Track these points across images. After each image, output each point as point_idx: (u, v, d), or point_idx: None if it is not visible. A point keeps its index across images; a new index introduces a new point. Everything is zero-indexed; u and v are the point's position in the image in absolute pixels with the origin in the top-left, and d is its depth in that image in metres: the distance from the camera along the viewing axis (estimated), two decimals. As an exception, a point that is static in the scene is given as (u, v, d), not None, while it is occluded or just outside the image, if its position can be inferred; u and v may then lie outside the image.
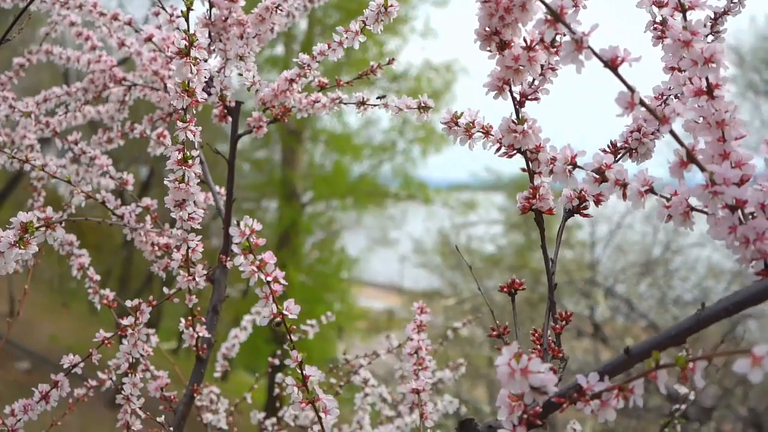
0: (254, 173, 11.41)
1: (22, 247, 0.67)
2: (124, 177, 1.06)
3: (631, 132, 0.67)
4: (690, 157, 0.51)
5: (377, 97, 0.96)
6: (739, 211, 0.51)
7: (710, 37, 0.71)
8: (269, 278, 0.61)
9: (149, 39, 1.04)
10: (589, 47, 0.49)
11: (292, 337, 0.63)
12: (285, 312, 0.62)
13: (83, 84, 1.19)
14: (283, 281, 0.61)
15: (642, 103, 0.49)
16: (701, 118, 0.54)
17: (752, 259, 0.50)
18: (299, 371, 0.63)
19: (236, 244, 0.60)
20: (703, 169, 0.50)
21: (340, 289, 10.61)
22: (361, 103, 0.93)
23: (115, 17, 1.09)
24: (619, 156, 0.68)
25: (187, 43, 0.68)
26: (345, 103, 0.95)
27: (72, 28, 1.19)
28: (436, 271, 10.14)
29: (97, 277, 1.09)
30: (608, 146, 0.68)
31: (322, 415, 0.63)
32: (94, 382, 1.13)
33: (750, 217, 0.51)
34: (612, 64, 0.50)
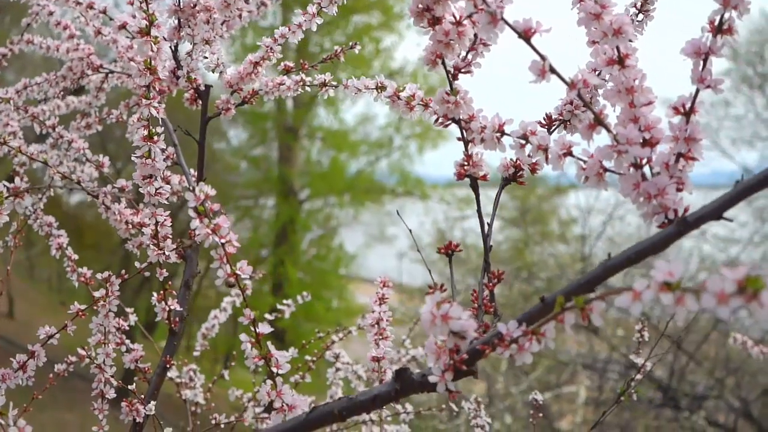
0: (251, 171, 11.45)
1: (-7, 216, 0.71)
2: (100, 159, 1.10)
3: (564, 104, 0.71)
4: (598, 120, 0.55)
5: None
6: (646, 169, 0.56)
7: (640, 16, 0.75)
8: (223, 240, 0.65)
9: (123, 27, 1.08)
10: (503, 19, 0.54)
11: (245, 296, 0.68)
12: (238, 272, 0.66)
13: (62, 72, 1.23)
14: (236, 243, 0.66)
15: (552, 70, 0.54)
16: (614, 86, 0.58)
17: (654, 214, 0.55)
18: (253, 329, 0.68)
19: (191, 208, 0.64)
20: (609, 131, 0.55)
21: (338, 286, 10.65)
22: (323, 84, 0.98)
23: (90, 6, 1.13)
24: (554, 127, 0.72)
25: (147, 23, 0.73)
26: (308, 85, 0.99)
27: (50, 18, 1.23)
28: (433, 267, 10.17)
29: (75, 257, 1.13)
30: (543, 118, 0.72)
31: (274, 369, 0.68)
32: (73, 358, 1.18)
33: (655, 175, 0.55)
34: (525, 35, 0.54)
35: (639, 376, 1.10)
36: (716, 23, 0.55)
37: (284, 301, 1.41)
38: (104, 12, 1.13)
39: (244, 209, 10.85)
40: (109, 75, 1.23)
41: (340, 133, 11.63)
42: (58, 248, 1.14)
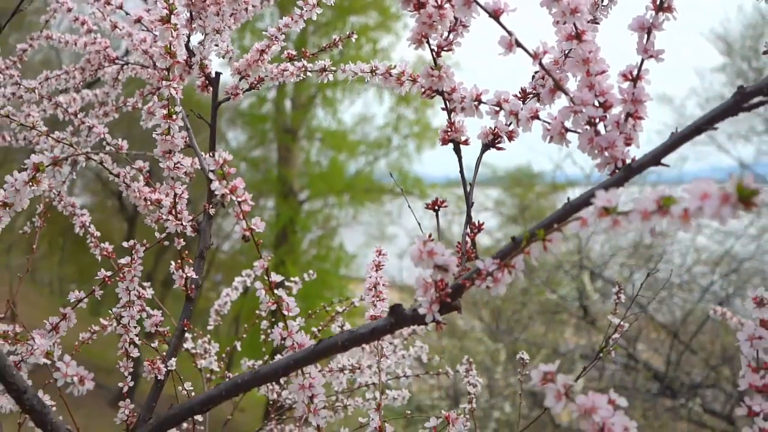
0: (251, 172, 11.54)
1: (34, 184, 0.81)
2: (119, 143, 1.20)
3: (536, 79, 0.81)
4: (557, 86, 0.65)
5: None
6: (600, 127, 0.66)
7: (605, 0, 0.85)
8: (240, 199, 0.75)
9: (138, 20, 1.18)
10: (475, 1, 0.64)
11: (259, 249, 0.78)
12: (253, 227, 0.76)
13: (81, 64, 1.33)
14: (251, 202, 0.76)
15: (518, 43, 0.64)
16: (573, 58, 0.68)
17: (606, 164, 0.65)
18: (266, 278, 0.78)
19: (211, 171, 0.74)
20: (567, 95, 0.65)
21: (338, 286, 10.72)
22: (323, 70, 1.08)
23: (107, 2, 1.23)
24: (528, 100, 0.82)
25: (168, 11, 0.83)
26: (310, 71, 1.09)
27: (69, 14, 1.33)
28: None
29: (98, 233, 1.23)
30: (519, 91, 0.82)
31: (285, 312, 0.78)
32: (96, 328, 1.28)
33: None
34: (495, 15, 0.64)
35: (616, 335, 1.20)
36: (657, 2, 0.65)
37: (291, 278, 1.50)
38: (121, 7, 1.23)
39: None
40: (125, 66, 1.33)
41: (339, 133, 11.72)
42: (82, 226, 1.24)
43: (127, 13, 1.23)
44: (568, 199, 0.64)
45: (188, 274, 1.10)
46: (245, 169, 11.61)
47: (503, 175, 10.64)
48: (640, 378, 6.25)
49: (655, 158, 0.61)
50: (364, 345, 1.17)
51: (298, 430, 1.42)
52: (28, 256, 1.38)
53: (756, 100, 0.59)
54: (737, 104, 0.58)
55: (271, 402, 1.47)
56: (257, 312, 1.70)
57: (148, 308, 1.16)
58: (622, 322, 1.18)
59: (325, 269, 10.92)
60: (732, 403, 6.17)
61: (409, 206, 1.10)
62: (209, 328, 1.50)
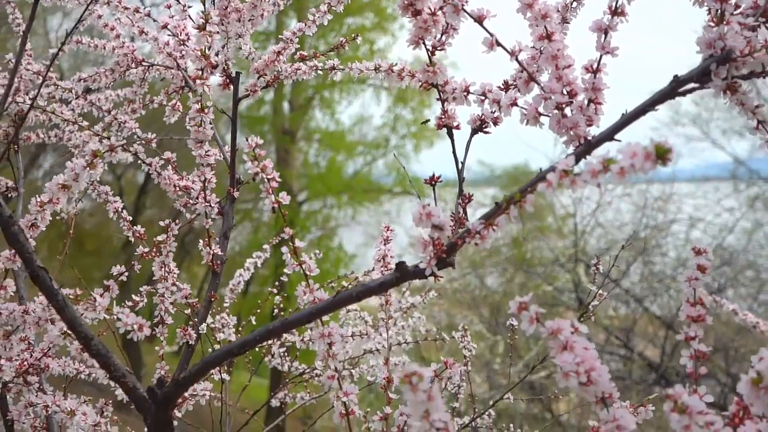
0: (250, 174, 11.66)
1: (92, 168, 0.95)
2: (149, 136, 1.34)
3: (516, 73, 0.95)
4: (530, 77, 0.79)
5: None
6: (567, 111, 0.80)
7: (574, 3, 1.00)
8: (269, 177, 0.90)
9: (165, 26, 1.32)
10: (463, 9, 0.78)
11: (285, 219, 0.92)
12: (280, 199, 0.91)
13: (110, 66, 1.47)
14: (278, 179, 0.90)
15: (498, 43, 0.78)
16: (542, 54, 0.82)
17: (571, 140, 0.79)
18: (291, 244, 0.92)
19: (246, 153, 0.88)
20: (539, 84, 0.79)
21: (338, 286, 10.86)
22: (332, 68, 1.22)
23: (137, 10, 1.37)
24: (510, 90, 0.96)
25: (204, 21, 0.97)
26: (320, 70, 1.24)
27: (99, 21, 1.47)
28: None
29: (129, 218, 1.37)
30: (502, 83, 0.97)
31: (308, 272, 0.92)
32: (130, 303, 1.42)
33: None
34: (479, 20, 0.79)
35: (596, 302, 1.34)
36: (613, 8, 0.80)
37: (315, 252, 1.65)
38: (149, 15, 1.37)
39: (243, 212, 11.07)
40: (150, 68, 1.47)
41: (337, 134, 11.86)
42: (115, 211, 1.38)
43: (154, 20, 1.37)
44: (540, 169, 0.78)
45: (214, 251, 1.25)
46: (244, 171, 11.73)
47: (501, 174, 10.80)
48: (635, 368, 6.41)
49: (608, 135, 0.75)
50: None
51: (309, 395, 1.57)
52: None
53: (689, 86, 0.73)
54: (673, 90, 0.73)
55: (284, 374, 1.62)
56: (269, 289, 1.85)
57: (177, 283, 1.30)
58: (600, 291, 1.32)
59: (325, 269, 11.04)
60: (725, 392, 6.32)
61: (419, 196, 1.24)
62: (225, 305, 1.65)
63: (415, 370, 0.61)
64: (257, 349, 1.65)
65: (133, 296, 1.47)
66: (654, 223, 7.29)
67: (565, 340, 0.66)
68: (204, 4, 0.99)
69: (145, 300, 1.31)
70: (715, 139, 8.80)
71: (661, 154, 0.56)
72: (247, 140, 0.87)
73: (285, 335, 1.81)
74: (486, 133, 0.96)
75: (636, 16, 0.90)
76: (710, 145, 8.85)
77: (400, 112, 11.98)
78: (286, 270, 0.94)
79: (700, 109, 8.88)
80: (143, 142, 1.37)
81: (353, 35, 1.28)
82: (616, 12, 0.80)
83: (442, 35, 0.89)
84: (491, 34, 0.79)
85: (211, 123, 1.10)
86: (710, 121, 8.86)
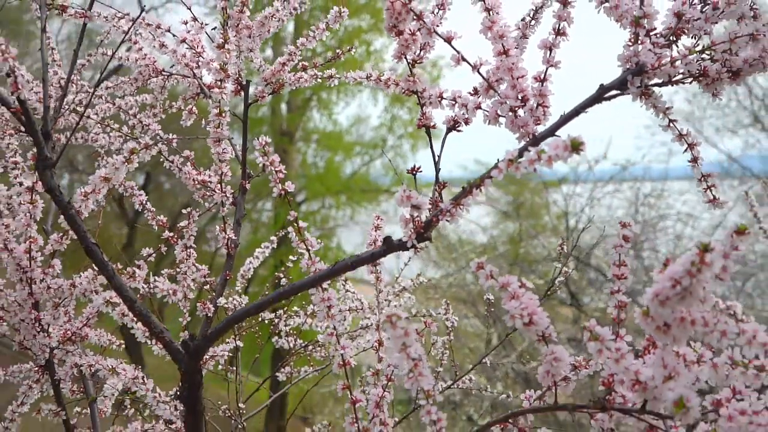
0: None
1: (129, 163, 1.14)
2: (169, 137, 1.53)
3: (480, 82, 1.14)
4: (489, 86, 0.99)
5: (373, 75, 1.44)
6: (519, 112, 0.99)
7: (533, 21, 1.19)
8: (276, 169, 1.09)
9: (183, 41, 1.51)
10: (435, 31, 0.97)
11: (291, 204, 1.11)
12: (286, 188, 1.10)
13: (134, 75, 1.67)
14: (284, 171, 1.09)
15: (463, 58, 0.97)
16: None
17: (522, 137, 0.98)
18: (296, 224, 1.11)
19: (257, 149, 1.07)
20: (496, 92, 0.98)
21: (337, 286, 11.03)
22: (330, 77, 1.41)
23: (158, 26, 1.56)
24: (477, 95, 1.16)
25: (223, 40, 1.16)
26: (320, 78, 1.43)
27: (125, 35, 1.66)
28: (431, 264, 10.61)
29: (153, 209, 1.56)
30: (472, 89, 1.16)
31: (309, 248, 1.11)
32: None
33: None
34: (448, 40, 0.98)
35: (561, 278, 1.53)
36: (556, 29, 0.99)
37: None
38: (168, 30, 1.56)
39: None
40: (169, 77, 1.66)
41: (335, 134, 12.04)
42: (140, 204, 1.57)
43: (174, 35, 1.56)
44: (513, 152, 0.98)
45: (229, 236, 1.44)
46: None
47: (497, 173, 10.95)
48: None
49: (550, 132, 0.94)
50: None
51: (312, 368, 1.76)
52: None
53: (612, 93, 0.92)
54: (600, 95, 0.92)
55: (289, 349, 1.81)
56: (277, 274, 2.03)
57: (196, 264, 1.49)
58: (565, 268, 1.51)
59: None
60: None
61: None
62: (237, 289, 1.84)
63: (395, 312, 0.80)
64: (266, 322, 1.84)
65: (156, 279, 1.66)
66: (644, 218, 7.50)
67: (513, 292, 0.86)
68: (224, 27, 1.18)
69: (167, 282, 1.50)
70: (708, 137, 9.00)
71: (576, 146, 0.75)
72: (258, 139, 1.06)
73: (289, 324, 2.01)
74: (459, 131, 1.15)
75: (592, 29, 1.09)
76: (703, 143, 9.03)
77: (396, 113, 12.15)
78: (291, 257, 1.13)
79: (693, 108, 9.09)
80: (165, 142, 1.56)
81: (348, 47, 1.47)
82: (558, 33, 0.99)
83: (420, 51, 1.09)
84: (458, 52, 0.98)
85: (227, 125, 1.29)
86: (703, 119, 9.06)
